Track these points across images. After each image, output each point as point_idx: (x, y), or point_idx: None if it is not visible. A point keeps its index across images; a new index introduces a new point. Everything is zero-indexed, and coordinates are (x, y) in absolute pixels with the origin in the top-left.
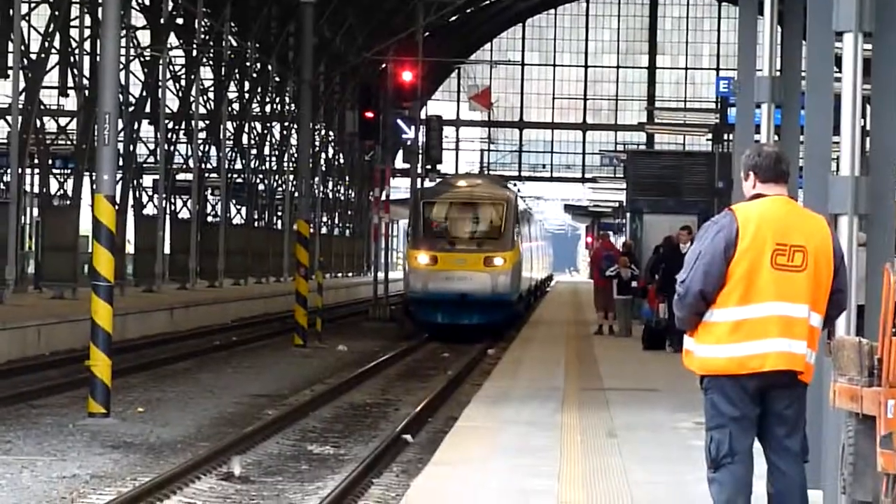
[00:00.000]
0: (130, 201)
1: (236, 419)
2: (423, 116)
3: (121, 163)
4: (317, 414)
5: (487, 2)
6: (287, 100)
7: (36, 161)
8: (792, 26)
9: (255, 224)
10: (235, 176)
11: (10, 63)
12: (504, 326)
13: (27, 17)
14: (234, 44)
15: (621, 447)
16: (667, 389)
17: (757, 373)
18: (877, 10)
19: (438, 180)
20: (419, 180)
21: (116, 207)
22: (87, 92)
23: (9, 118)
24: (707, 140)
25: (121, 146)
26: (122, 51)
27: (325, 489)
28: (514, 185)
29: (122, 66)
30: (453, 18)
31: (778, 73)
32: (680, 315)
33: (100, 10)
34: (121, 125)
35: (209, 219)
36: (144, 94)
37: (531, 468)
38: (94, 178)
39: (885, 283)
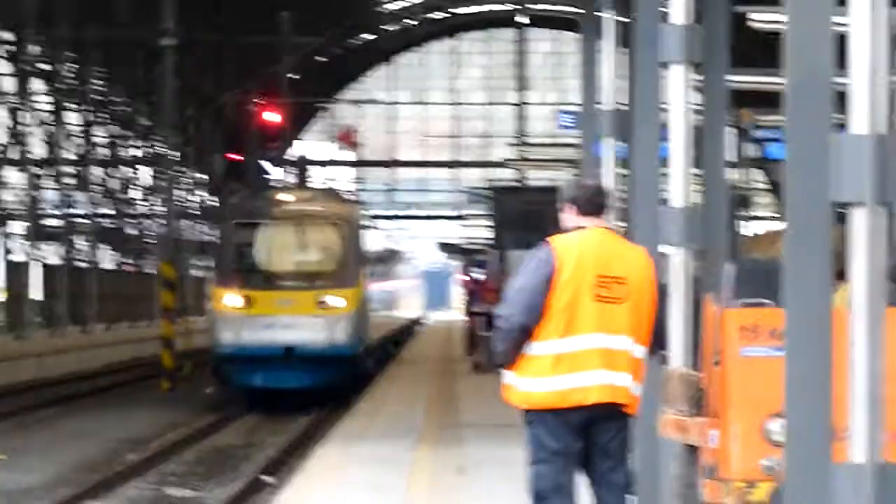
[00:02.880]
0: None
1: (99, 465)
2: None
3: None
4: (179, 457)
5: (357, 43)
6: (155, 143)
7: None
8: (635, 58)
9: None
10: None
11: None
12: (346, 389)
13: None
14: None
15: (471, 483)
16: (523, 424)
17: (581, 406)
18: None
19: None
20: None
21: None
22: None
23: None
24: (576, 175)
25: None
26: None
27: None
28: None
29: None
30: (321, 59)
31: (620, 106)
32: (501, 349)
33: None
34: None
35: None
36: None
37: None
38: None
39: (706, 314)
